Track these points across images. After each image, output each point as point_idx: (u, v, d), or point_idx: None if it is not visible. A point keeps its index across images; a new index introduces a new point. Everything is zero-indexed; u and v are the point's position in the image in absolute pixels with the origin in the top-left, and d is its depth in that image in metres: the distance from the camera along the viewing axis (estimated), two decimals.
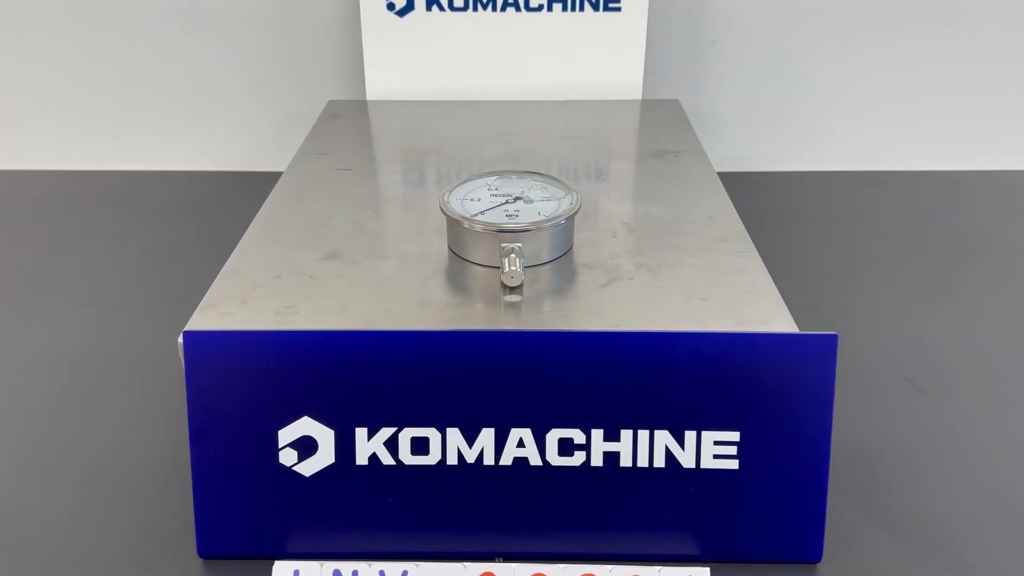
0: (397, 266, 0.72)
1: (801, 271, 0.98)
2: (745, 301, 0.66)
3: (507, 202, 0.74)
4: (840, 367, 0.57)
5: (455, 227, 0.72)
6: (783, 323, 0.64)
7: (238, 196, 1.17)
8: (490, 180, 0.79)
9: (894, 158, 1.29)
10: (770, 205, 1.16)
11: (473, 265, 0.72)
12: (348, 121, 1.10)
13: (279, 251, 0.75)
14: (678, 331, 0.58)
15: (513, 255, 0.68)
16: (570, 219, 0.72)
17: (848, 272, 1.00)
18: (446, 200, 0.74)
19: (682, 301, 0.66)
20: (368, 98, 1.15)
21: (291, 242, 0.76)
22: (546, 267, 0.72)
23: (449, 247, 0.75)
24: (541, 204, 0.74)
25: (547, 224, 0.70)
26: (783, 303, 0.67)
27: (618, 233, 0.77)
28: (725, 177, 0.93)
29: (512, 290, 0.68)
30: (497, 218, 0.72)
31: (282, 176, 0.91)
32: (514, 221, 0.71)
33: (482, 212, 0.73)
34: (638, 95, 1.13)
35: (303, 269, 0.71)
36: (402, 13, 1.12)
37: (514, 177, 0.79)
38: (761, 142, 1.27)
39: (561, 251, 0.73)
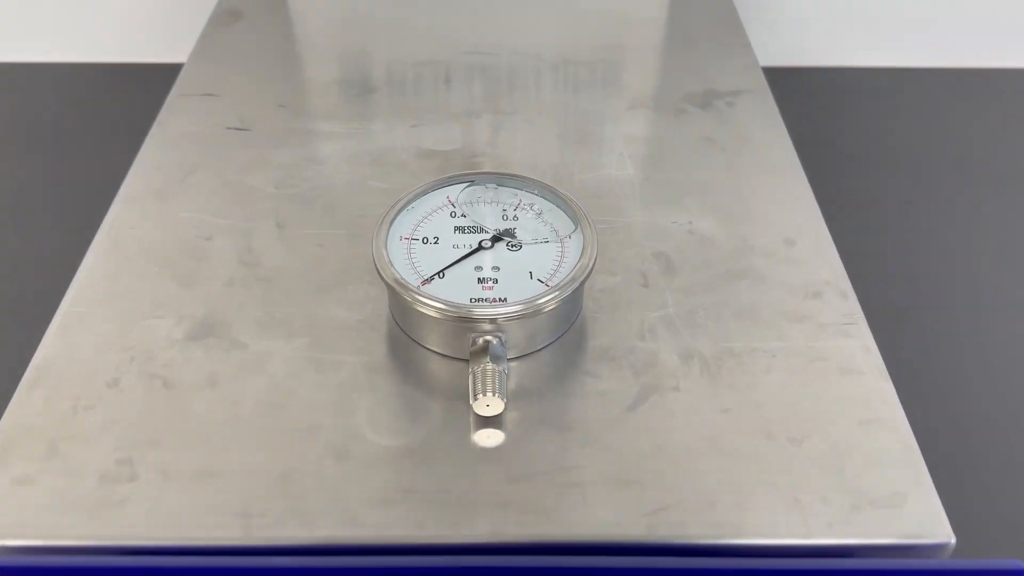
0: (306, 358, 0.46)
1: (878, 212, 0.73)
2: (863, 445, 0.42)
3: (479, 246, 0.48)
4: None
5: (397, 295, 0.45)
6: (925, 499, 0.40)
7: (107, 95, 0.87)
8: (453, 193, 0.51)
9: (986, 52, 0.99)
10: (833, 113, 0.88)
11: (427, 351, 0.47)
12: (253, 24, 0.77)
13: (120, 320, 0.48)
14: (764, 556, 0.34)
15: (488, 367, 0.42)
16: (581, 286, 0.46)
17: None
18: (382, 247, 0.46)
19: (763, 447, 0.42)
20: None
21: (140, 299, 0.49)
22: (539, 357, 0.46)
23: (392, 315, 0.49)
24: (534, 252, 0.47)
25: (544, 301, 0.44)
26: (916, 447, 0.43)
27: (650, 276, 0.51)
28: (775, 74, 0.65)
29: (488, 419, 0.44)
30: (464, 289, 0.45)
31: (141, 150, 0.62)
32: (490, 291, 0.45)
33: (440, 273, 0.46)
34: None
35: (154, 364, 0.45)
36: None
37: (491, 187, 0.51)
38: (823, 30, 0.96)
39: (563, 329, 0.48)
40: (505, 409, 0.42)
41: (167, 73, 0.71)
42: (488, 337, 0.44)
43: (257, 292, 0.50)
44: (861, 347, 0.47)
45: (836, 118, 0.93)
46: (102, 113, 0.94)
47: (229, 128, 0.63)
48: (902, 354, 0.66)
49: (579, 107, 0.66)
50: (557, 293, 0.44)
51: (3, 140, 0.91)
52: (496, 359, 0.43)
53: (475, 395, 0.42)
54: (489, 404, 0.42)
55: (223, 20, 0.77)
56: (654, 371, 0.45)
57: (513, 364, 0.45)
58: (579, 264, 0.45)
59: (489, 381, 0.42)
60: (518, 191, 0.51)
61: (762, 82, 0.68)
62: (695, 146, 0.62)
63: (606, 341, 0.47)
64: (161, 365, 0.46)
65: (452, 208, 0.50)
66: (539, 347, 0.46)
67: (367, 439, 0.42)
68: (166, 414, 0.43)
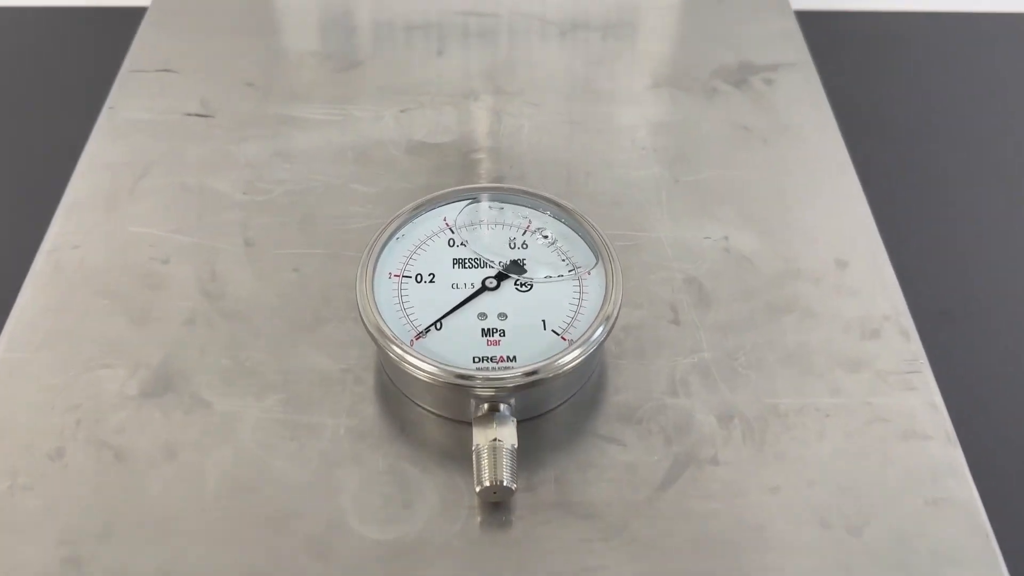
0: (280, 421, 0.39)
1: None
2: (930, 533, 0.36)
3: (483, 286, 0.40)
4: None
5: (386, 350, 0.38)
6: None
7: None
8: (451, 214, 0.43)
9: None
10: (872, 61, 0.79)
11: (424, 411, 0.40)
12: None
13: (64, 370, 0.41)
14: None
15: (495, 446, 0.35)
16: (605, 334, 0.38)
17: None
18: (368, 290, 0.39)
19: (817, 539, 0.35)
20: None
21: (87, 341, 0.42)
22: (552, 417, 0.40)
23: (381, 365, 0.41)
24: (547, 294, 0.40)
25: (562, 361, 0.37)
26: (991, 534, 0.37)
27: (680, 309, 0.45)
28: (807, 18, 0.57)
29: (494, 502, 0.37)
30: (465, 344, 0.38)
31: (88, 143, 0.52)
32: (496, 346, 0.38)
33: (437, 323, 0.39)
34: None
35: (104, 428, 0.38)
36: None
37: (496, 208, 0.43)
38: None
39: (580, 384, 0.41)
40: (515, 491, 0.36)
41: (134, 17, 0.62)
42: (495, 408, 0.37)
43: (222, 333, 0.43)
44: (926, 404, 0.41)
45: (872, 72, 0.85)
46: (63, 63, 0.85)
47: (188, 115, 0.54)
48: (952, 358, 0.60)
49: (593, 85, 0.58)
50: (578, 351, 0.37)
51: None
52: (504, 431, 0.36)
53: (480, 481, 0.36)
54: (497, 491, 0.36)
55: None
56: (689, 437, 0.39)
57: (521, 425, 0.39)
58: (601, 313, 0.38)
59: (496, 464, 0.36)
60: (528, 210, 0.43)
61: (804, 52, 0.59)
62: (730, 137, 0.53)
63: (630, 397, 0.40)
64: (112, 430, 0.39)
65: (450, 234, 0.42)
66: (553, 407, 0.40)
67: (352, 530, 0.36)
68: (118, 496, 0.37)
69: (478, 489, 0.35)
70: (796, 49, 0.60)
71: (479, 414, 0.37)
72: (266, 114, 0.55)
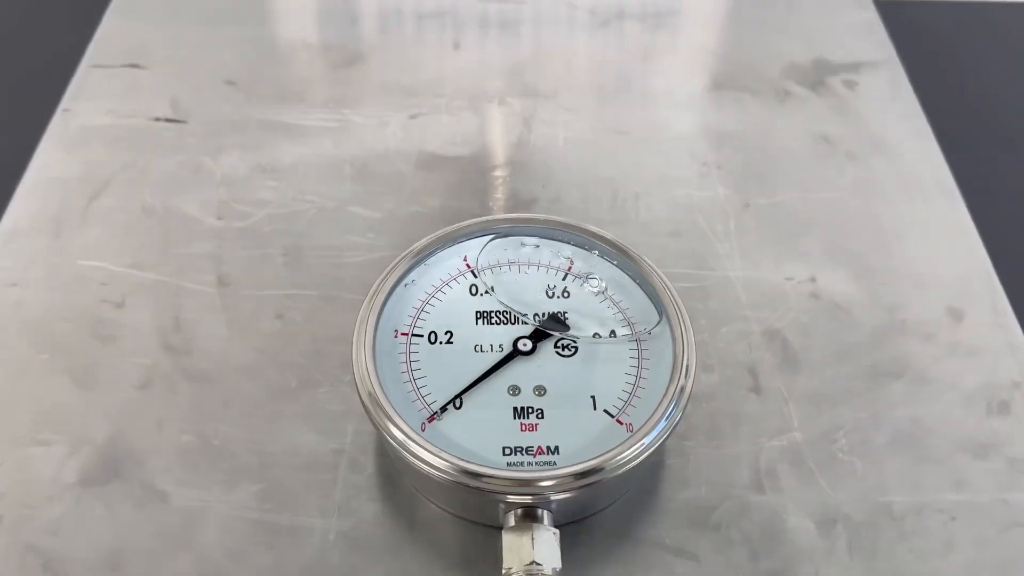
0: (254, 522, 0.31)
1: None
2: None
3: (516, 350, 0.32)
4: None
5: (391, 443, 0.30)
6: None
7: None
8: (472, 252, 0.34)
9: None
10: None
11: (437, 509, 0.32)
12: None
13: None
14: None
15: (533, 572, 0.27)
16: (675, 425, 0.30)
17: None
18: (366, 357, 0.31)
19: None
20: None
21: (21, 409, 0.34)
22: (598, 519, 0.31)
23: (384, 450, 0.33)
24: (595, 358, 0.31)
25: (620, 458, 0.28)
26: None
27: (761, 373, 0.36)
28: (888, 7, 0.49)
29: None
30: (493, 430, 0.30)
31: (35, 154, 0.44)
32: (533, 433, 0.29)
33: (455, 401, 0.30)
34: None
35: (33, 530, 0.30)
36: None
37: (529, 245, 0.35)
38: None
39: (636, 479, 0.32)
40: None
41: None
42: (530, 511, 0.29)
43: (185, 400, 0.35)
44: None
45: (966, 71, 0.76)
46: (10, 52, 0.76)
47: (157, 119, 0.46)
48: None
49: (639, 86, 0.49)
50: (643, 443, 0.29)
51: None
52: (543, 548, 0.28)
53: None
54: None
55: None
56: (780, 549, 0.31)
57: (564, 532, 0.31)
58: (671, 387, 0.30)
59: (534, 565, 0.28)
60: (570, 248, 0.35)
61: (888, 48, 0.51)
62: (809, 151, 0.45)
63: (702, 494, 0.32)
64: (44, 531, 0.31)
65: (472, 279, 0.34)
66: (602, 507, 0.32)
67: None
68: None
69: None
70: (879, 45, 0.51)
71: (510, 524, 0.29)
72: (248, 119, 0.46)
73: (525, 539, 0.28)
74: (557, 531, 0.29)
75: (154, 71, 0.49)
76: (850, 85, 0.49)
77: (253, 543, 0.31)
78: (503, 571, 0.28)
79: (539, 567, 0.28)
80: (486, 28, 0.53)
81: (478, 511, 0.31)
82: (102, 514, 0.32)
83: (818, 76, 0.49)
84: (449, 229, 0.35)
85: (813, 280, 0.39)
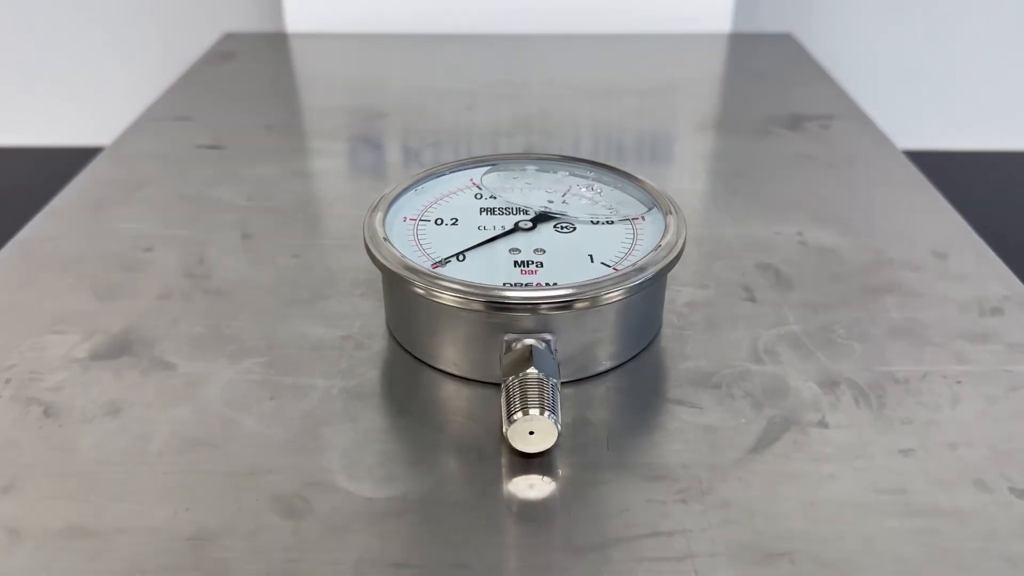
0: (257, 382, 0.31)
1: None
2: None
3: (516, 227, 0.35)
4: None
5: (397, 287, 0.32)
6: None
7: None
8: (479, 174, 0.38)
9: None
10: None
11: (440, 374, 0.33)
12: (244, 63, 0.69)
13: (6, 337, 0.34)
14: None
15: (531, 375, 0.28)
16: (666, 263, 0.32)
17: None
18: (377, 225, 0.33)
19: (976, 501, 0.26)
20: (287, 29, 0.75)
21: (39, 313, 0.36)
22: (603, 382, 0.31)
23: (389, 328, 0.35)
24: (595, 235, 0.34)
25: (611, 287, 0.30)
26: None
27: (757, 290, 0.38)
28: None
29: (530, 456, 0.29)
30: (494, 272, 0.31)
31: (100, 155, 0.51)
32: (533, 275, 0.31)
33: (460, 255, 0.33)
34: (726, 25, 0.73)
35: (37, 387, 0.31)
36: None
37: (531, 169, 0.39)
38: (911, 107, 0.87)
39: (637, 345, 0.33)
40: (558, 441, 0.28)
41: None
42: (530, 341, 0.30)
43: (201, 306, 0.36)
44: None
45: None
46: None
47: (199, 147, 0.52)
48: None
49: (635, 127, 0.55)
50: (630, 279, 0.31)
51: None
52: (543, 367, 0.29)
53: (511, 415, 0.27)
54: (534, 430, 0.27)
55: (214, 60, 0.69)
56: (784, 402, 0.31)
57: (567, 390, 0.31)
58: (664, 242, 0.32)
59: (533, 394, 0.28)
60: (568, 177, 0.39)
61: (856, 108, 0.58)
62: (791, 163, 0.50)
63: (703, 364, 0.33)
64: (46, 388, 0.32)
65: (477, 190, 0.38)
66: (602, 368, 0.32)
67: (339, 487, 0.27)
68: (36, 448, 0.29)
69: (507, 430, 0.27)
70: (847, 105, 0.58)
71: (510, 355, 0.30)
72: (282, 146, 0.52)
73: (525, 360, 0.29)
74: (556, 359, 0.29)
75: (200, 120, 0.56)
76: (824, 127, 0.54)
77: (254, 397, 0.31)
78: (502, 387, 0.28)
79: (538, 374, 0.28)
80: (486, 54, 0.60)
81: (480, 354, 0.31)
82: (108, 378, 0.32)
83: (795, 123, 0.55)
84: (455, 160, 0.39)
85: (800, 234, 0.42)
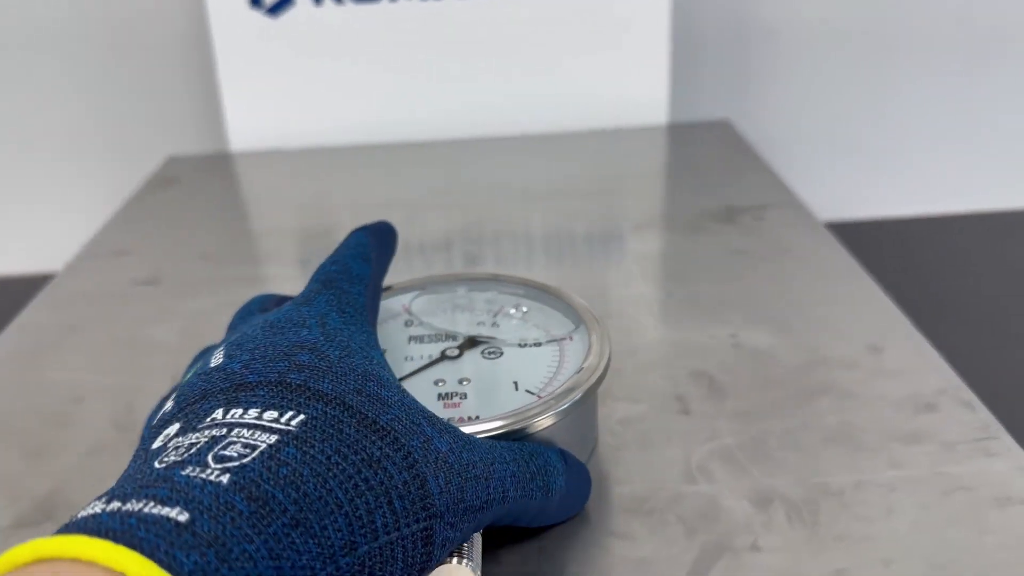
0: None
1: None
2: None
3: (443, 356, 0.34)
4: None
5: None
6: None
7: None
8: (409, 300, 0.38)
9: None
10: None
11: None
12: (187, 187, 0.70)
13: None
14: None
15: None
16: (592, 396, 0.32)
17: None
18: None
19: None
20: (231, 148, 0.76)
21: None
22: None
23: None
24: (521, 360, 0.34)
25: (540, 420, 0.30)
26: None
27: (690, 400, 0.38)
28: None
29: None
30: None
31: (34, 299, 0.51)
32: (456, 408, 0.31)
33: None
34: (662, 116, 0.75)
35: None
36: (276, 9, 0.74)
37: (461, 290, 0.39)
38: (843, 176, 0.89)
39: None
40: None
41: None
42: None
43: (128, 460, 0.36)
44: (1015, 468, 0.33)
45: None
46: None
47: (136, 283, 0.52)
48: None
49: (572, 231, 0.56)
50: (553, 406, 0.30)
51: None
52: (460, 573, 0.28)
53: None
54: None
55: (156, 187, 0.70)
56: (716, 525, 0.31)
57: (488, 535, 0.31)
58: (587, 364, 0.33)
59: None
60: (498, 295, 0.39)
61: (790, 195, 0.59)
62: (725, 259, 0.51)
63: (636, 488, 0.33)
64: None
65: (407, 316, 0.38)
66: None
67: None
68: None
69: None
70: (777, 189, 0.59)
71: None
72: (219, 276, 0.52)
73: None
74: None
75: (138, 253, 0.56)
76: (759, 219, 0.55)
77: None
78: None
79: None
80: (426, 162, 0.61)
81: None
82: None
83: (730, 215, 0.56)
84: (388, 284, 0.39)
85: (735, 336, 0.42)
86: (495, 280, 0.39)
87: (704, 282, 0.48)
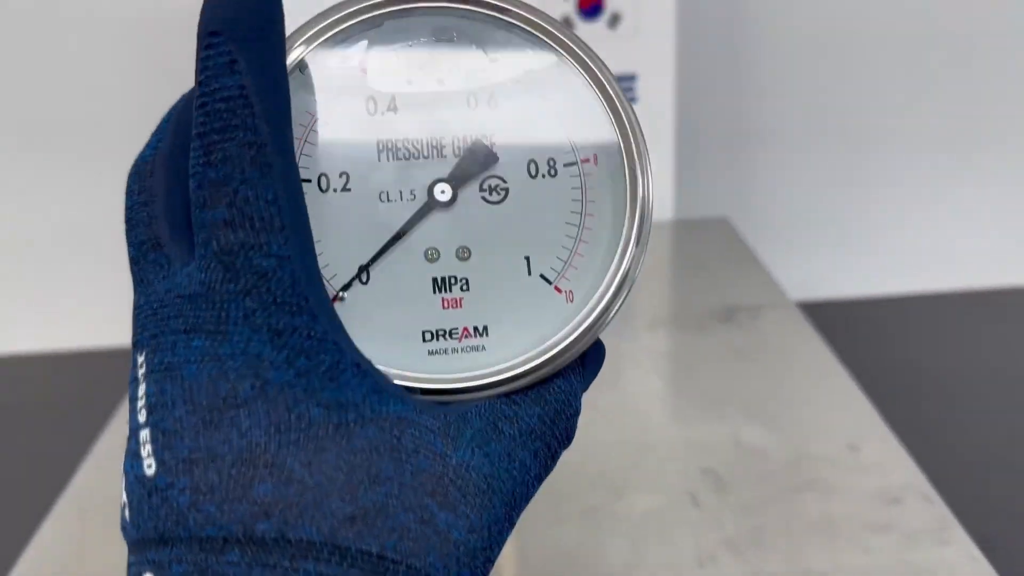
0: None
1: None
2: None
3: (431, 199, 0.24)
4: None
5: None
6: None
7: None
8: (361, 51, 0.24)
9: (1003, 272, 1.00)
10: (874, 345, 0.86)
11: None
12: None
13: None
14: None
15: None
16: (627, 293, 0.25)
17: None
18: None
19: None
20: None
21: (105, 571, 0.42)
22: None
23: None
24: (530, 201, 0.24)
25: (564, 345, 0.23)
26: None
27: (700, 495, 0.46)
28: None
29: None
30: (411, 309, 0.24)
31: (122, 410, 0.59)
32: (458, 312, 0.24)
33: (362, 274, 0.23)
34: (668, 213, 0.84)
35: None
36: None
37: (432, 42, 0.25)
38: (832, 260, 0.98)
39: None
40: None
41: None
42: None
43: None
44: (965, 556, 0.40)
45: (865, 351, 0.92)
46: (62, 402, 0.92)
47: None
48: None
49: None
50: (589, 321, 0.24)
51: None
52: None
53: None
54: None
55: None
56: None
57: None
58: (623, 245, 0.24)
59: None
60: (488, 50, 0.25)
61: (782, 296, 0.67)
62: (725, 359, 0.59)
63: (655, 574, 0.40)
64: None
65: (367, 88, 0.24)
66: None
67: None
68: None
69: None
70: (770, 290, 0.68)
71: None
72: None
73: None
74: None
75: None
76: (753, 315, 0.64)
77: None
78: None
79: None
80: None
81: None
82: None
83: (727, 313, 0.64)
84: (326, 10, 0.24)
85: (735, 434, 0.50)
86: (500, 12, 0.25)
87: (708, 379, 0.56)
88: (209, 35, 0.21)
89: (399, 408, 0.21)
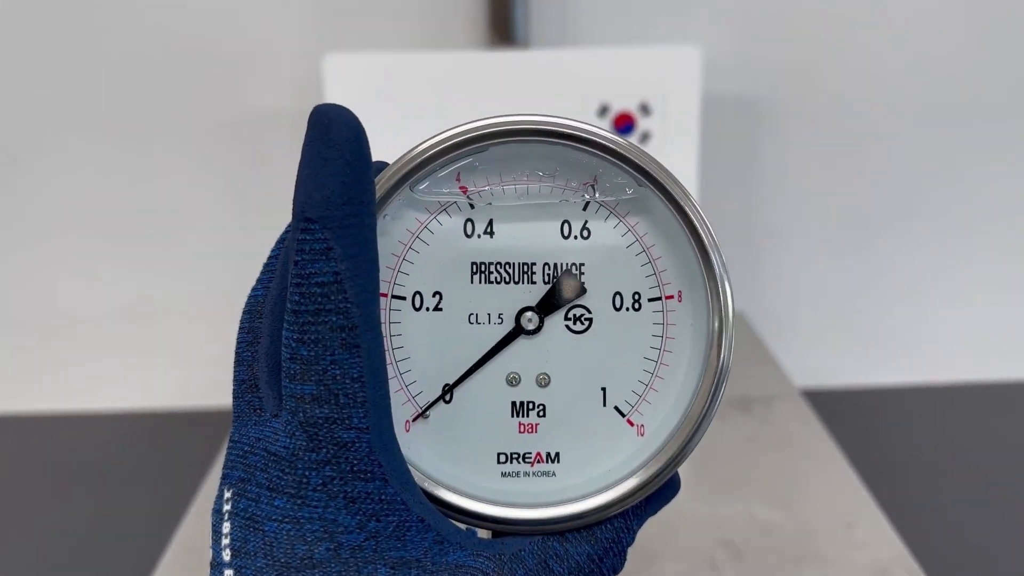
0: None
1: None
2: None
3: (518, 327, 0.26)
4: None
5: None
6: None
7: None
8: (474, 168, 0.26)
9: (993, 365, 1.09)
10: (873, 432, 0.95)
11: None
12: None
13: None
14: None
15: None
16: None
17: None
18: None
19: None
20: None
21: None
22: None
23: None
24: (613, 332, 0.26)
25: (627, 485, 0.26)
26: None
27: (719, 562, 0.55)
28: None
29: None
30: (488, 434, 0.26)
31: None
32: (532, 437, 0.26)
33: (446, 394, 0.26)
34: None
35: None
36: None
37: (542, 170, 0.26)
38: (842, 351, 1.07)
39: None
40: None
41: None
42: None
43: None
44: None
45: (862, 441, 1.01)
46: (161, 459, 1.01)
47: None
48: None
49: None
50: (661, 460, 0.26)
51: (62, 490, 0.97)
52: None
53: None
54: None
55: None
56: None
57: None
58: (706, 379, 0.25)
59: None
60: (593, 168, 0.26)
61: (792, 388, 0.77)
62: (742, 445, 0.68)
63: None
64: None
65: (470, 211, 0.26)
66: None
67: None
68: None
69: None
70: (780, 382, 0.77)
71: None
72: None
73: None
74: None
75: None
76: (766, 405, 0.73)
77: None
78: None
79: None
80: None
81: None
82: None
83: (745, 404, 0.73)
84: (439, 137, 0.25)
85: (749, 510, 0.59)
86: (597, 141, 0.25)
87: (728, 463, 0.65)
88: (305, 220, 0.22)
89: (458, 556, 0.23)
